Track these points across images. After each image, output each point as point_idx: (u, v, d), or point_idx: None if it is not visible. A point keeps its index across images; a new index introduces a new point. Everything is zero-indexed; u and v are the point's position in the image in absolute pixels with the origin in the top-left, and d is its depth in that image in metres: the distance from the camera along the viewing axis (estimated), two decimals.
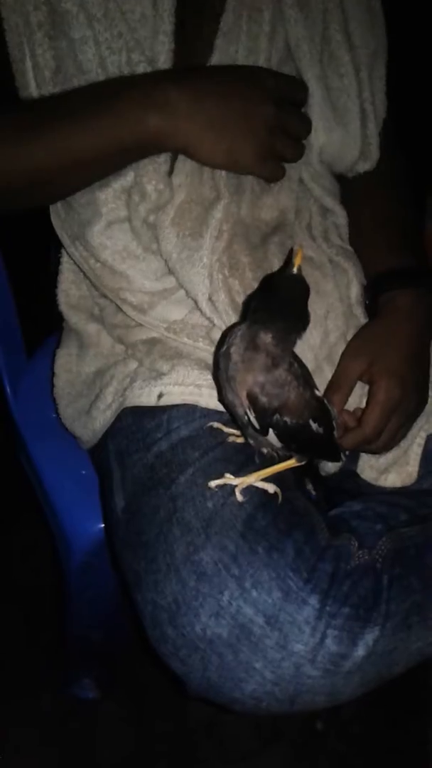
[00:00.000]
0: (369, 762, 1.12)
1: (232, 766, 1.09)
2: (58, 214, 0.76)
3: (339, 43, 0.75)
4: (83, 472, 0.87)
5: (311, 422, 0.60)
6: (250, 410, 0.59)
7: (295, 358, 0.61)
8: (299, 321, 0.58)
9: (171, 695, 1.09)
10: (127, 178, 0.70)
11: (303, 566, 0.59)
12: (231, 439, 0.68)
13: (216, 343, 0.71)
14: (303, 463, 0.65)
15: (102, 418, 0.76)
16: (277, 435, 0.60)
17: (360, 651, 0.58)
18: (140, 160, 0.69)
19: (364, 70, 0.76)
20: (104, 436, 0.77)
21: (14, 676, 1.17)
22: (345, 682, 0.58)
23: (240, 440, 0.67)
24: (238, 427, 0.67)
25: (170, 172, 0.70)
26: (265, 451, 0.65)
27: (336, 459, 0.68)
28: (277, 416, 0.59)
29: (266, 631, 0.57)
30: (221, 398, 0.65)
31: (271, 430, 0.60)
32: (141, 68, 0.67)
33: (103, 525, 0.81)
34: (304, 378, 0.61)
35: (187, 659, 0.59)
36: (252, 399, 0.58)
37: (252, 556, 0.59)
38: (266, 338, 0.57)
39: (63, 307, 0.82)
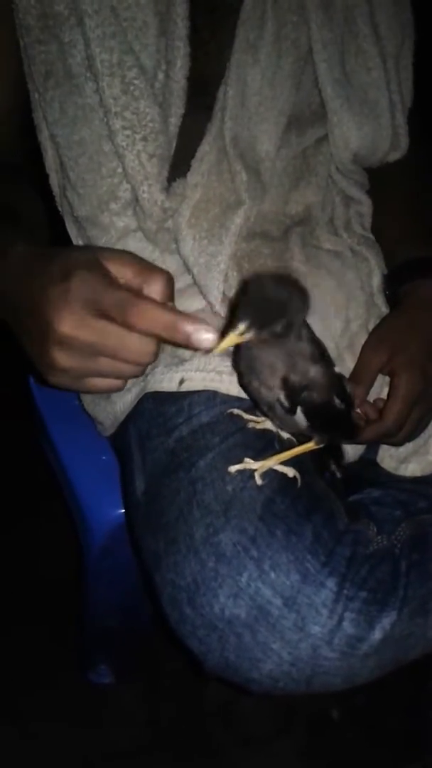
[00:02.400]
0: (385, 750, 1.12)
1: (247, 752, 1.09)
2: (70, 228, 0.78)
3: (366, 36, 0.74)
4: (104, 457, 0.88)
5: (335, 398, 0.61)
6: (281, 391, 0.59)
7: (312, 334, 0.60)
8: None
9: (186, 681, 1.10)
10: (125, 194, 0.70)
11: (321, 549, 0.59)
12: (251, 425, 0.68)
13: None
14: (322, 445, 0.65)
15: (122, 402, 0.77)
16: (305, 413, 0.60)
17: (377, 634, 0.58)
18: (129, 174, 0.68)
19: (390, 61, 0.75)
20: (125, 420, 0.77)
21: (31, 661, 1.18)
22: (361, 665, 0.59)
23: (259, 427, 0.68)
24: (258, 414, 0.67)
25: (170, 179, 0.70)
26: (285, 436, 0.65)
27: (351, 436, 0.68)
28: (305, 393, 0.59)
29: (284, 613, 0.58)
30: (242, 383, 0.65)
31: (299, 409, 0.60)
32: (133, 73, 0.65)
33: (122, 510, 0.82)
34: (324, 355, 0.61)
35: (206, 639, 0.60)
36: (284, 379, 0.58)
37: (271, 538, 0.59)
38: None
39: None
